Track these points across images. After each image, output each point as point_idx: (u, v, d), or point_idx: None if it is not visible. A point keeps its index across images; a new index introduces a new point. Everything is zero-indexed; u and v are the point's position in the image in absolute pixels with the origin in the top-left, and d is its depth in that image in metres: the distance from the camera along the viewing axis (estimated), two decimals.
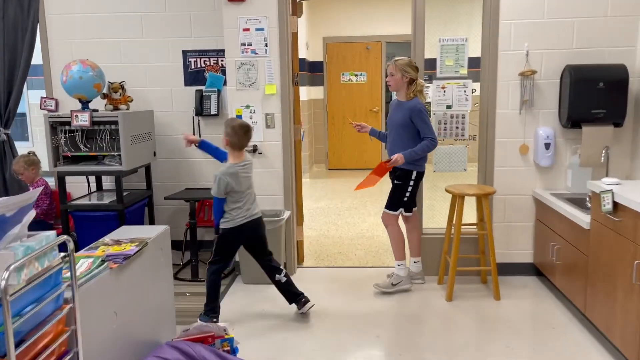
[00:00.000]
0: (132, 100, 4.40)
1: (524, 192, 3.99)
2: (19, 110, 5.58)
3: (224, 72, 4.54)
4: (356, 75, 9.19)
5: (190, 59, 4.66)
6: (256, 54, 4.03)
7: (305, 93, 8.55)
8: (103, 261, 2.17)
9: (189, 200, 4.17)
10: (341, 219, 6.02)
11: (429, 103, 3.98)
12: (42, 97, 4.72)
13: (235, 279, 4.16)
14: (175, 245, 4.68)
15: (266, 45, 4.03)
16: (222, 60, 4.55)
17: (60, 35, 4.66)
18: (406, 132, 3.65)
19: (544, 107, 3.89)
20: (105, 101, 4.29)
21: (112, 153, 4.05)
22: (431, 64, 4.06)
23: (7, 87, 4.64)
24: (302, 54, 8.20)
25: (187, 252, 4.50)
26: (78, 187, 4.79)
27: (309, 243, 5.07)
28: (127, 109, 4.32)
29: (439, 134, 4.00)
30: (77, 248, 4.21)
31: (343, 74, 9.21)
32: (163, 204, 4.78)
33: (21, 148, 4.82)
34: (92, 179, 4.65)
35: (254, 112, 4.09)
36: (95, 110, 4.06)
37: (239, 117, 4.09)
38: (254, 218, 3.32)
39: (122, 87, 4.33)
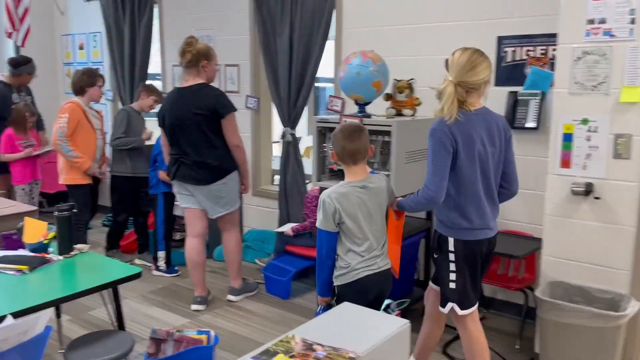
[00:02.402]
0: (419, 104, 3.37)
1: None
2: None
3: (553, 66, 3.08)
4: None
5: (506, 49, 3.34)
6: (612, 36, 2.46)
7: None
8: None
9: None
10: None
11: None
12: (330, 96, 4.16)
13: None
14: None
15: (633, 22, 2.42)
16: (553, 50, 3.09)
17: (353, 23, 3.98)
18: None
19: None
20: (388, 104, 3.39)
21: (382, 172, 3.12)
22: None
23: (298, 83, 4.23)
24: None
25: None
26: None
27: None
28: (412, 115, 3.32)
29: None
30: None
31: None
32: None
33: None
34: None
35: (594, 131, 2.54)
36: (367, 116, 3.20)
37: (568, 136, 2.61)
38: (382, 270, 2.29)
39: (410, 87, 3.34)
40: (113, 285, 2.42)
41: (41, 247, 2.68)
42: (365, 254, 2.24)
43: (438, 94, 2.30)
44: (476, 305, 2.38)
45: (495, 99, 3.37)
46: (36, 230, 2.73)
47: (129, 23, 5.27)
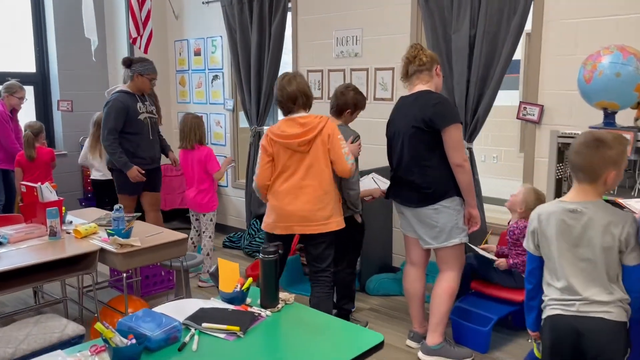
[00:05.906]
0: None
1: None
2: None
3: None
4: None
5: None
6: None
7: None
8: None
9: None
10: None
11: None
12: (521, 102, 3.47)
13: None
14: None
15: None
16: None
17: (559, 15, 3.27)
18: None
19: None
20: (636, 113, 2.66)
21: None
22: None
23: (479, 89, 3.55)
24: None
25: None
26: None
27: None
28: None
29: None
30: None
31: None
32: None
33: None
34: None
35: None
36: (630, 128, 2.48)
37: None
38: (583, 316, 1.82)
39: None
40: None
41: (239, 298, 2.11)
42: (565, 293, 1.87)
43: None
44: None
45: None
46: (230, 274, 2.17)
47: (257, 25, 4.76)
